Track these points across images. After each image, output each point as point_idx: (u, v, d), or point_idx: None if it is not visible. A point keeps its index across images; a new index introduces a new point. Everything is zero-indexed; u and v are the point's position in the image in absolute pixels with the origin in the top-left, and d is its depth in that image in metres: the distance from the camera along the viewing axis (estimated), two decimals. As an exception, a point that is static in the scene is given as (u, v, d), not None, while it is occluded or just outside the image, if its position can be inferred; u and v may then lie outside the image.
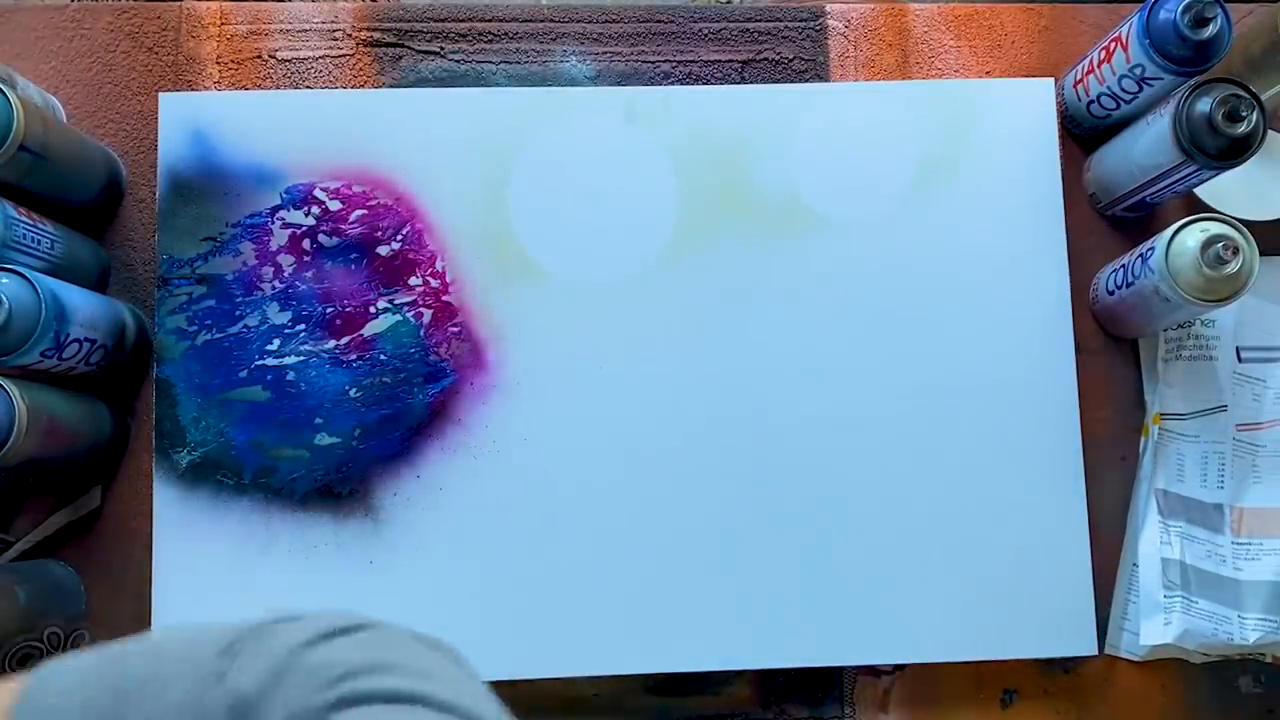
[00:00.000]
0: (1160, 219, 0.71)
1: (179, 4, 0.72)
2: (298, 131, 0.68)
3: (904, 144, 0.71)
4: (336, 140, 0.69)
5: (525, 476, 0.66)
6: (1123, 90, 0.66)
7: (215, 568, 0.64)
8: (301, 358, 0.66)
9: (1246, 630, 0.65)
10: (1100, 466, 0.69)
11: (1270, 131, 0.63)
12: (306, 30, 0.72)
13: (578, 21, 0.73)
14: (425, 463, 0.66)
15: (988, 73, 0.74)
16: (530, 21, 0.73)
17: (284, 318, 0.67)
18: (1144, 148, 0.64)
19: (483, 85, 0.72)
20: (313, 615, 0.35)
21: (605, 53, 0.73)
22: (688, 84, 0.73)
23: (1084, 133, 0.72)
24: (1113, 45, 0.65)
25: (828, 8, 0.74)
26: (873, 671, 0.68)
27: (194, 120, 0.68)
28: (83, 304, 0.60)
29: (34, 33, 0.71)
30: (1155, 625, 0.65)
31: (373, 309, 0.67)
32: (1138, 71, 0.63)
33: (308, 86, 0.71)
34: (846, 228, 0.70)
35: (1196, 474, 0.68)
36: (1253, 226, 0.62)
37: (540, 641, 0.65)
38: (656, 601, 0.65)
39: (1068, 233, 0.70)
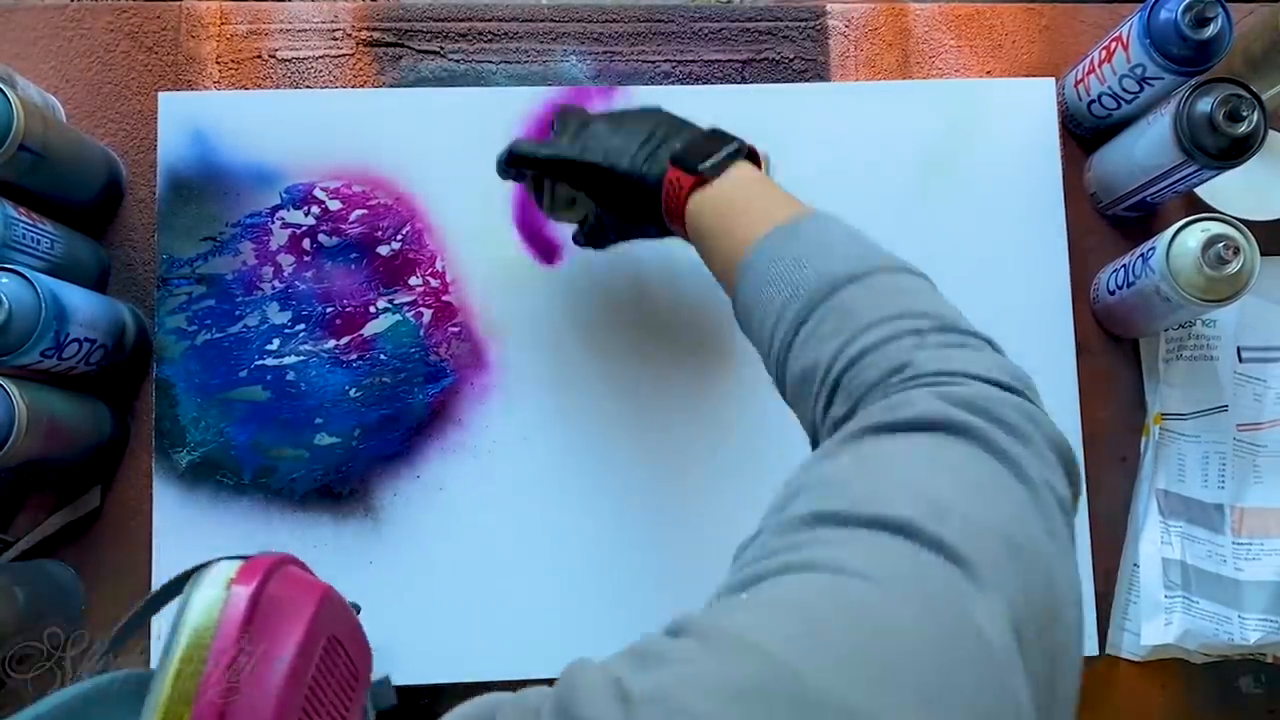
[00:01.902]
0: (1161, 219, 0.71)
1: (179, 4, 0.72)
2: (297, 131, 0.68)
3: (904, 144, 0.71)
4: (336, 140, 0.68)
5: (525, 476, 0.66)
6: (1123, 90, 0.66)
7: (215, 568, 0.64)
8: (301, 357, 0.66)
9: (1247, 630, 0.65)
10: (1101, 466, 0.69)
11: (1271, 131, 0.63)
12: (306, 30, 0.72)
13: (578, 21, 0.73)
14: (425, 463, 0.66)
15: (988, 72, 0.74)
16: (530, 21, 0.73)
17: (284, 317, 0.67)
18: (1145, 147, 0.64)
19: (483, 85, 0.72)
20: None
21: (605, 53, 0.73)
22: (688, 84, 0.73)
23: (1085, 132, 0.72)
24: (1113, 45, 0.65)
25: (828, 7, 0.74)
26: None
27: (194, 120, 0.68)
28: (82, 304, 0.60)
29: (34, 33, 0.71)
30: (1156, 625, 0.65)
31: (373, 309, 0.67)
32: (1138, 71, 0.63)
33: (308, 86, 0.71)
34: (847, 227, 0.69)
35: (1197, 474, 0.68)
36: (1253, 226, 0.62)
37: (540, 642, 0.65)
38: (657, 602, 0.65)
39: (1068, 232, 0.70)
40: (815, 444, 0.41)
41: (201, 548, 0.64)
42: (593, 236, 0.61)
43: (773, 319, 0.43)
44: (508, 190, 0.69)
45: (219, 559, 0.38)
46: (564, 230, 0.69)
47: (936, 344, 0.36)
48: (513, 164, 0.58)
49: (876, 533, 0.29)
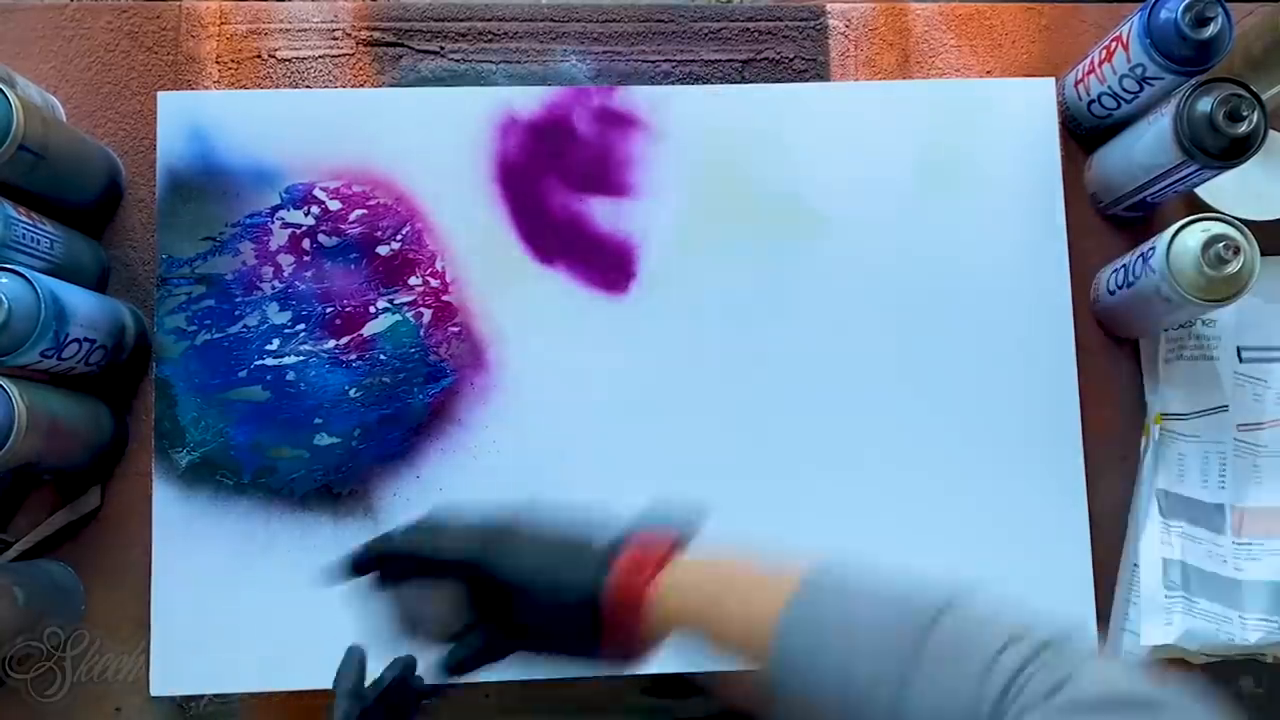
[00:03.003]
0: (1161, 219, 0.71)
1: (178, 3, 0.72)
2: (297, 131, 0.68)
3: (904, 144, 0.71)
4: (336, 140, 0.68)
5: (524, 477, 0.66)
6: (1123, 90, 0.66)
7: (215, 568, 0.64)
8: (301, 358, 0.66)
9: (1247, 631, 0.65)
10: (1100, 466, 0.69)
11: (1271, 131, 0.63)
12: (306, 29, 0.72)
13: (578, 21, 0.73)
14: (425, 463, 0.66)
15: (988, 72, 0.74)
16: (530, 21, 0.73)
17: (284, 317, 0.67)
18: (1145, 147, 0.64)
19: (482, 84, 0.72)
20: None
21: (605, 52, 0.73)
22: (688, 84, 0.73)
23: (1085, 132, 0.72)
24: (1113, 45, 0.65)
25: (828, 7, 0.74)
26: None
27: (193, 119, 0.68)
28: (82, 304, 0.60)
29: (34, 32, 0.71)
30: (1156, 626, 0.65)
31: (372, 309, 0.67)
32: (1139, 71, 0.63)
33: (307, 86, 0.71)
34: (847, 228, 0.69)
35: (1197, 474, 0.68)
36: (1253, 226, 0.62)
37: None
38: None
39: (1068, 233, 0.70)
40: None
41: (201, 548, 0.64)
42: (474, 660, 0.48)
43: None
44: (507, 191, 0.69)
45: None
46: (564, 230, 0.69)
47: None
48: (365, 564, 0.48)
49: None
